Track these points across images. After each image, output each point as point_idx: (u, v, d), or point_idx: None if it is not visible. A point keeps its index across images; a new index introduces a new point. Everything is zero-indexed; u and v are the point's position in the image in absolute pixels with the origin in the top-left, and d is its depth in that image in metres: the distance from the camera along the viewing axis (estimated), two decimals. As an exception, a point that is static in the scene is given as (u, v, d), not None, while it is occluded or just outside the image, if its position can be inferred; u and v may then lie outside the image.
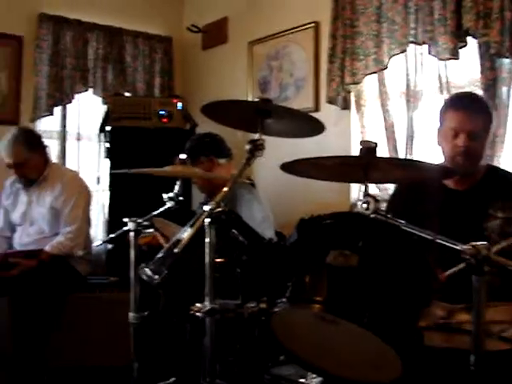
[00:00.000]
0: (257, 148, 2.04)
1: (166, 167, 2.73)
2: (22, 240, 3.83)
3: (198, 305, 1.98)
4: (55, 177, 3.83)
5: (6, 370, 3.44)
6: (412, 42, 3.39)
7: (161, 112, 4.32)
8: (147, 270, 2.39)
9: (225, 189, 1.99)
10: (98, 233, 4.45)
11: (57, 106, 4.53)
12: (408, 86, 3.52)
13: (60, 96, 4.51)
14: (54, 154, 4.36)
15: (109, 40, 4.72)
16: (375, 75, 3.66)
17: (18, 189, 3.89)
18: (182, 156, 2.77)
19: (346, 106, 3.82)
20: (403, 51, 3.45)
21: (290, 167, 1.89)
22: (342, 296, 1.69)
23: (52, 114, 4.50)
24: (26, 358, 3.41)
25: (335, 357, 1.82)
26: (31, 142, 3.77)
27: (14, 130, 3.81)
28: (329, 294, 1.70)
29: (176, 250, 1.91)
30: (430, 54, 3.30)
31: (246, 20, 4.65)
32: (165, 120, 4.33)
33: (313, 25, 4.07)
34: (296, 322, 1.84)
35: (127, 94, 4.73)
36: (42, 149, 3.84)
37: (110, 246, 4.14)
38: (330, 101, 3.84)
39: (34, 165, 3.77)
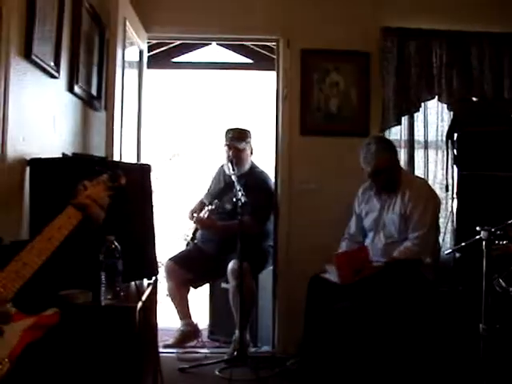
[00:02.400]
0: None
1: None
2: (373, 245, 3.98)
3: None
4: (405, 184, 3.93)
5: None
6: None
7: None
8: (501, 280, 2.31)
9: None
10: (446, 240, 4.42)
11: (404, 115, 4.64)
12: None
13: (407, 105, 4.61)
14: (402, 162, 4.48)
15: (452, 45, 4.65)
16: None
17: (370, 195, 4.08)
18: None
19: None
20: None
21: None
22: None
23: (400, 124, 4.63)
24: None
25: None
26: (387, 148, 3.94)
27: (368, 140, 4.02)
28: None
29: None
30: None
31: None
32: (515, 123, 4.12)
33: None
34: None
35: (474, 99, 4.61)
36: (395, 155, 3.98)
37: (457, 255, 4.08)
38: None
39: (390, 170, 3.91)
